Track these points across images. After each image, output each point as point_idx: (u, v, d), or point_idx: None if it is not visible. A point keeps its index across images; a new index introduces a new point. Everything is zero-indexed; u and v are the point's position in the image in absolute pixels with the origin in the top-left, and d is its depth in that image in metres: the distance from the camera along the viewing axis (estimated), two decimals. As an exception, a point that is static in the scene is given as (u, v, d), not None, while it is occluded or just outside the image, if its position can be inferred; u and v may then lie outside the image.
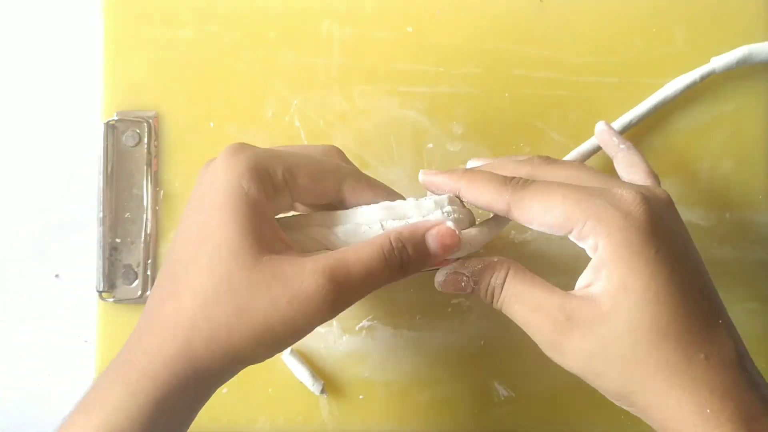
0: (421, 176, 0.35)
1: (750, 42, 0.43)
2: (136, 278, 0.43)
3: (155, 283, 0.32)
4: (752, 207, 0.44)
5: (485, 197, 0.32)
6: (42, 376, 0.45)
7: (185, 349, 0.29)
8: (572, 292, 0.31)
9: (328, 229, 0.33)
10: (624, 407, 0.31)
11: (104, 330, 0.43)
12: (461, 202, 0.34)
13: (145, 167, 0.43)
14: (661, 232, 0.30)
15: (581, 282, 0.31)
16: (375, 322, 0.44)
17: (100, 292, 0.43)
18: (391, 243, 0.30)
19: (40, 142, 0.45)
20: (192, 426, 0.32)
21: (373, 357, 0.44)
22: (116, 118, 0.43)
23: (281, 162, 0.31)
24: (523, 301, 0.31)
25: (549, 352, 0.31)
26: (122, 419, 0.28)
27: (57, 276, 0.45)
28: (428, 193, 0.36)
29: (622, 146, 0.39)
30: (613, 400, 0.31)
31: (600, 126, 0.41)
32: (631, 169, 0.37)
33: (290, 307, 0.29)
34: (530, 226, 0.32)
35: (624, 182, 0.34)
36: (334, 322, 0.44)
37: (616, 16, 0.44)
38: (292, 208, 0.34)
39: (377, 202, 0.33)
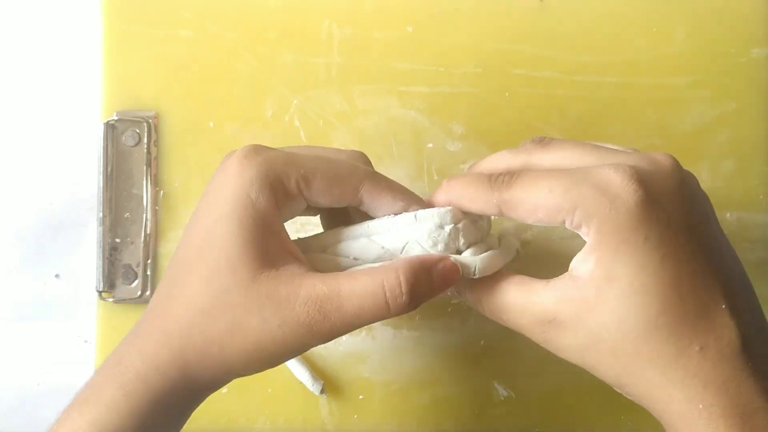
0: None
1: (752, 41, 0.43)
2: (136, 278, 0.43)
3: (160, 283, 0.32)
4: (752, 207, 0.44)
5: (475, 204, 0.31)
6: (41, 375, 0.45)
7: (178, 358, 0.29)
8: (558, 279, 0.30)
9: (338, 244, 0.32)
10: (626, 396, 0.30)
11: (104, 330, 0.43)
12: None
13: (144, 167, 0.43)
14: (654, 214, 0.28)
15: (572, 265, 0.30)
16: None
17: (100, 292, 0.43)
18: (399, 279, 0.29)
19: (40, 142, 0.45)
20: (192, 426, 0.32)
21: (373, 357, 0.44)
22: (116, 118, 0.43)
23: (296, 168, 0.30)
24: (508, 311, 0.31)
25: (547, 348, 0.31)
26: (114, 417, 0.28)
27: (57, 276, 0.45)
28: None
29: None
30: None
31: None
32: None
33: (281, 330, 0.29)
34: (528, 223, 0.31)
35: (620, 157, 0.30)
36: (334, 322, 0.44)
37: (616, 16, 0.44)
38: (308, 212, 0.34)
39: (397, 207, 0.32)
